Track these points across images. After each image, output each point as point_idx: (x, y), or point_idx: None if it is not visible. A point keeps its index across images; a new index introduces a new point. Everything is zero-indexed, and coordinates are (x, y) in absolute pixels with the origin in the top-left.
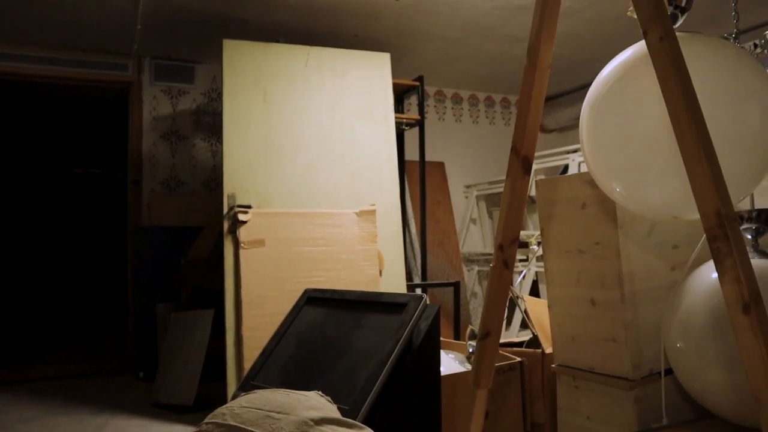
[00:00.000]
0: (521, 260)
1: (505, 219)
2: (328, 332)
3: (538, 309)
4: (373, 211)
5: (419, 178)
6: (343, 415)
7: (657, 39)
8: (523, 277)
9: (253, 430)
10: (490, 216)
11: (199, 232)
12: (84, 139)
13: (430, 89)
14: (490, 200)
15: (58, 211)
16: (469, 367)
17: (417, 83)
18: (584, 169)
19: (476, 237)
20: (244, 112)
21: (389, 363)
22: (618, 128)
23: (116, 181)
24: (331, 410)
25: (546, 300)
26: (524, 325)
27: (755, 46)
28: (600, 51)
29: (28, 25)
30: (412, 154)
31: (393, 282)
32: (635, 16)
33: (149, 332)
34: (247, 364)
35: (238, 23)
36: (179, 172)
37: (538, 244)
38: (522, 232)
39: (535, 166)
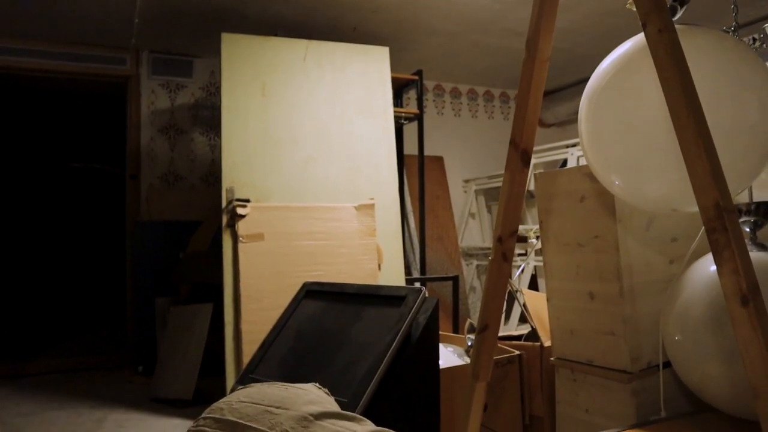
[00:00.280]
0: (520, 254)
1: (504, 212)
2: (326, 325)
3: (536, 302)
4: (372, 205)
5: (418, 173)
6: (342, 408)
7: (656, 31)
8: (522, 270)
9: (252, 425)
10: (489, 210)
11: (197, 227)
12: (82, 134)
13: (428, 83)
14: (489, 194)
15: (57, 206)
16: (467, 360)
17: (416, 77)
18: (583, 163)
19: (475, 231)
20: (243, 106)
21: (388, 356)
22: (617, 121)
23: (114, 176)
24: (330, 403)
25: (545, 293)
26: (523, 319)
27: (754, 40)
28: (599, 45)
29: (26, 19)
30: (410, 148)
31: (392, 276)
32: (634, 9)
33: (148, 326)
34: (246, 358)
35: (237, 17)
36: (178, 166)
37: (537, 237)
38: (521, 227)
39: (534, 161)
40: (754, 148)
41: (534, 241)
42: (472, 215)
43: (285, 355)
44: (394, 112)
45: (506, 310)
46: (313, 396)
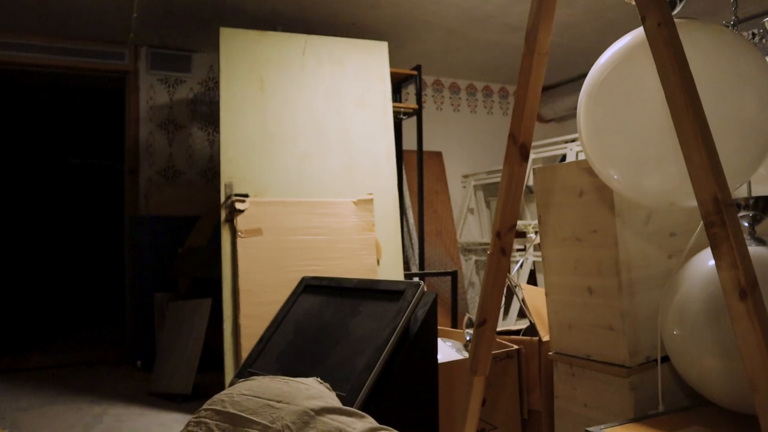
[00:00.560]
0: (519, 250)
1: (503, 206)
2: (325, 319)
3: (535, 297)
4: (371, 200)
5: (417, 168)
6: (340, 402)
7: (655, 25)
8: (521, 266)
9: (253, 419)
10: (488, 206)
11: (196, 222)
12: (81, 129)
13: (427, 79)
14: (488, 190)
15: (56, 201)
16: (466, 354)
17: (415, 72)
18: (582, 158)
19: (474, 227)
20: (241, 101)
21: (386, 350)
22: (616, 115)
23: (113, 171)
24: (331, 398)
25: (543, 288)
26: (522, 314)
27: (753, 35)
28: (598, 40)
29: (24, 14)
30: (409, 143)
31: (390, 271)
32: (633, 2)
33: (147, 322)
34: (245, 353)
35: (235, 11)
36: (176, 161)
37: (536, 233)
38: (519, 222)
39: (532, 156)
40: (752, 142)
41: (533, 235)
42: (470, 211)
43: (283, 349)
44: (393, 107)
45: (505, 306)
46: (314, 391)
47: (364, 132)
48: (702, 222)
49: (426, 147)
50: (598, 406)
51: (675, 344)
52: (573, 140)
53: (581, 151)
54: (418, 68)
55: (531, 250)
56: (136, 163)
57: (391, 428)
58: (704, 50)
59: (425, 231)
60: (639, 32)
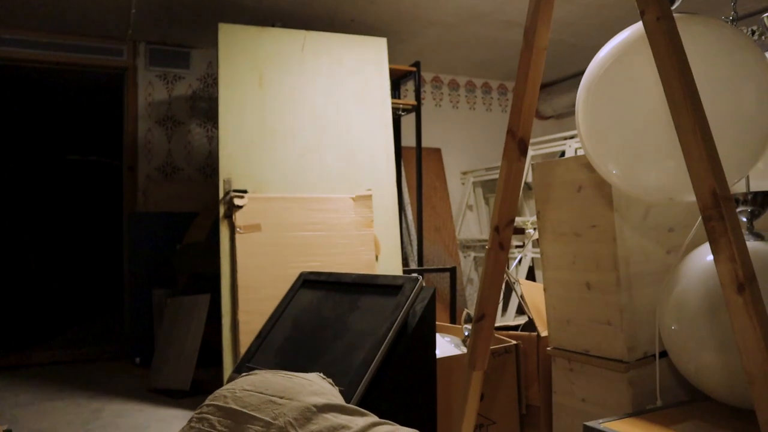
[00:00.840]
0: (517, 246)
1: (501, 201)
2: (324, 314)
3: (533, 293)
4: (369, 196)
5: (416, 164)
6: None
7: (654, 19)
8: (519, 262)
9: (255, 415)
10: (487, 202)
11: (194, 218)
12: (79, 126)
13: (426, 75)
14: (487, 187)
15: (54, 198)
16: (464, 350)
17: (413, 69)
18: (581, 154)
19: (473, 223)
20: (240, 97)
21: (384, 345)
22: (614, 110)
23: (112, 168)
24: (334, 395)
25: (542, 284)
26: (520, 310)
27: (753, 32)
28: (597, 37)
29: (22, 9)
30: (408, 140)
31: (389, 267)
32: None
33: (145, 318)
34: (243, 348)
35: (234, 7)
36: (175, 157)
37: (534, 229)
38: (518, 218)
39: (531, 152)
40: (751, 136)
41: (531, 231)
42: (469, 207)
43: (282, 344)
44: (392, 103)
45: (503, 301)
46: (317, 387)
47: (363, 128)
48: (700, 217)
49: (425, 143)
50: (596, 401)
51: (673, 339)
52: (572, 137)
53: (580, 148)
54: (417, 64)
55: (530, 246)
56: (135, 159)
57: (392, 422)
58: (703, 45)
59: (424, 227)
60: (638, 27)
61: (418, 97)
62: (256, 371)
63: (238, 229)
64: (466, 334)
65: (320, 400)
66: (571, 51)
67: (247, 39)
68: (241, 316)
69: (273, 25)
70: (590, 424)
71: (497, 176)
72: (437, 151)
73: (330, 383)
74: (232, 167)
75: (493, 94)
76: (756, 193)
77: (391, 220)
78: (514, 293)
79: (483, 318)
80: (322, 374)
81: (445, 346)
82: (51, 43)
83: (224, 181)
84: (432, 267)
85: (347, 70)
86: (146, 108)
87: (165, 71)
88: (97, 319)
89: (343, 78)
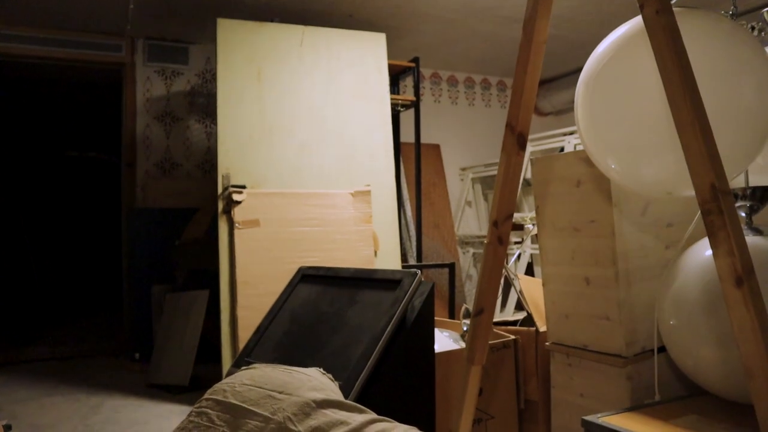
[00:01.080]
0: (516, 242)
1: (500, 195)
2: (322, 309)
3: (532, 288)
4: (368, 192)
5: (414, 160)
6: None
7: (653, 12)
8: (518, 257)
9: (254, 410)
10: (486, 199)
11: (193, 214)
12: (78, 123)
13: (425, 71)
14: (486, 183)
15: (53, 194)
16: (463, 345)
17: (412, 64)
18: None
19: (471, 219)
20: (239, 92)
21: (383, 339)
22: (613, 104)
23: (110, 164)
24: (333, 390)
25: (540, 279)
26: (519, 306)
27: (752, 28)
28: (597, 33)
29: (19, 5)
30: (407, 136)
31: (388, 263)
32: None
33: (144, 314)
34: (242, 344)
35: (232, 2)
36: (173, 153)
37: (533, 225)
38: (517, 214)
39: (531, 149)
40: (750, 131)
41: (530, 226)
42: (468, 203)
43: (280, 338)
44: (391, 99)
45: (502, 297)
46: (316, 382)
47: (362, 123)
48: (699, 212)
49: (424, 140)
50: (594, 396)
51: (671, 334)
52: (571, 133)
53: (579, 144)
54: (415, 60)
55: (528, 242)
56: (134, 155)
57: (389, 419)
58: (703, 39)
59: (423, 223)
60: (637, 21)
61: (417, 93)
62: (255, 365)
63: (236, 225)
64: (465, 329)
65: (319, 396)
66: (571, 47)
67: (246, 34)
68: (240, 312)
69: (271, 20)
70: (588, 418)
71: (496, 172)
72: (436, 147)
73: (330, 378)
74: (231, 163)
75: (492, 91)
76: (755, 188)
77: (390, 215)
78: (513, 289)
79: (482, 312)
80: (321, 369)
81: (444, 341)
82: (48, 39)
83: (223, 176)
84: (431, 263)
85: (346, 65)
86: (145, 104)
87: (163, 67)
88: (96, 315)
89: (341, 73)
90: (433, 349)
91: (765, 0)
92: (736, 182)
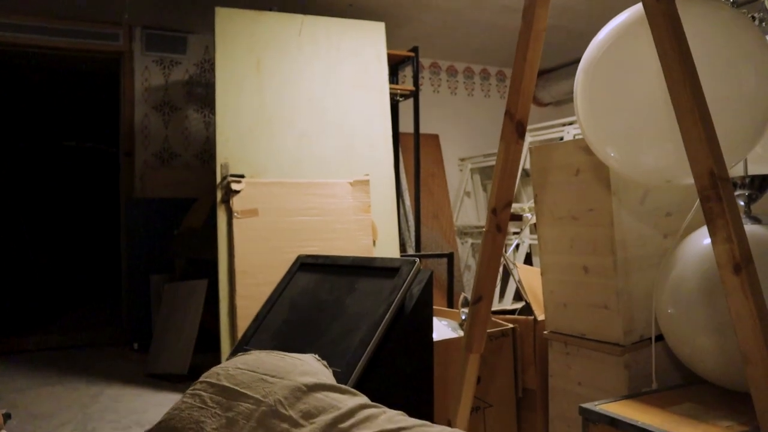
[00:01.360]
0: (514, 233)
1: (499, 183)
2: (321, 297)
3: (531, 277)
4: (367, 182)
5: (413, 150)
6: (335, 378)
7: (654, 0)
8: (516, 247)
9: (245, 392)
10: (485, 189)
11: (192, 204)
12: (76, 112)
13: (425, 61)
14: (485, 173)
15: (52, 184)
16: (461, 333)
17: (412, 54)
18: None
19: (470, 210)
20: (237, 81)
21: (381, 326)
22: (613, 91)
23: (108, 155)
24: (326, 375)
25: (539, 268)
26: (518, 296)
27: (754, 18)
28: (596, 23)
29: None
30: (406, 126)
31: (387, 253)
32: None
33: (143, 303)
34: (241, 333)
35: None
36: (172, 143)
37: (532, 214)
38: (515, 205)
39: (530, 139)
40: (750, 119)
41: (529, 215)
42: (467, 194)
43: (279, 326)
44: (390, 88)
45: (501, 286)
46: (308, 367)
47: (361, 113)
48: (697, 201)
49: (423, 130)
50: (592, 385)
51: (669, 323)
52: (570, 123)
53: (579, 134)
54: (415, 50)
55: (527, 232)
56: (132, 145)
57: (381, 405)
58: (703, 26)
59: (422, 214)
60: (638, 8)
61: (416, 83)
62: (251, 352)
63: (235, 214)
64: (463, 317)
65: (311, 380)
66: (570, 37)
67: (244, 23)
68: (239, 301)
69: (270, 9)
70: (586, 405)
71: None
72: (435, 138)
73: (324, 365)
74: (230, 152)
75: (492, 81)
76: (753, 177)
77: (389, 205)
78: (511, 278)
79: (480, 300)
80: (316, 356)
81: (442, 329)
82: (46, 28)
83: (221, 165)
84: (429, 253)
85: (345, 54)
86: (143, 93)
87: (161, 56)
88: (95, 305)
89: (340, 62)
90: (432, 336)
91: None
92: (735, 171)
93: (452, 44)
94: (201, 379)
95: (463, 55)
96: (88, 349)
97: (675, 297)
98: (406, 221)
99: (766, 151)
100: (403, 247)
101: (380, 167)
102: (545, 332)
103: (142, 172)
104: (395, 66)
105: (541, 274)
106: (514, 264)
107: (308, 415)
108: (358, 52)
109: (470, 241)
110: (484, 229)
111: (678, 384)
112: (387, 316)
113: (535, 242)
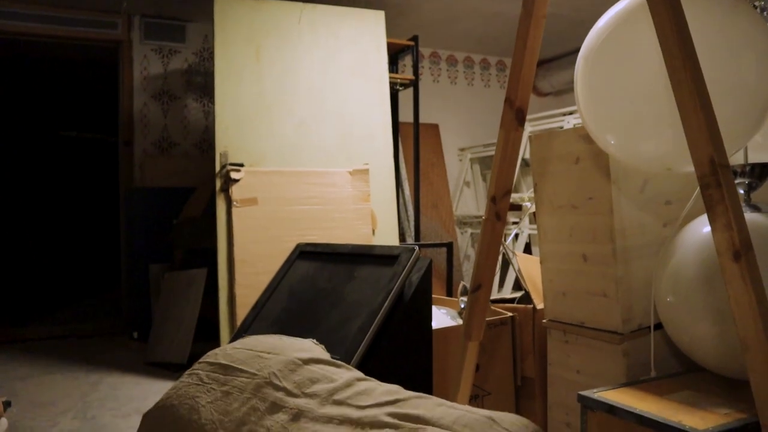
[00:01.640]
0: (514, 222)
1: (498, 171)
2: (320, 284)
3: (530, 266)
4: (366, 171)
5: (413, 140)
6: None
7: None
8: (515, 236)
9: (241, 368)
10: (484, 179)
11: (191, 193)
12: (75, 102)
13: (425, 51)
14: (484, 163)
15: (50, 174)
16: (461, 322)
17: (411, 43)
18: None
19: (470, 200)
20: (236, 70)
21: (380, 314)
22: (613, 78)
23: (107, 144)
24: (322, 354)
25: (538, 257)
26: (517, 285)
27: (755, 6)
28: (597, 11)
29: None
30: (406, 115)
31: (386, 241)
32: None
33: (143, 293)
34: (240, 322)
35: None
36: (171, 132)
37: (532, 203)
38: (514, 194)
39: (530, 128)
40: (750, 106)
41: (528, 204)
42: (467, 184)
43: (278, 314)
44: (390, 78)
45: (500, 275)
46: (305, 346)
47: (361, 102)
48: (697, 189)
49: (422, 119)
50: (591, 373)
51: (668, 311)
52: (570, 113)
53: (579, 124)
54: (415, 39)
55: (526, 221)
56: (131, 134)
57: (374, 379)
58: (704, 13)
59: (421, 203)
60: None
61: (416, 72)
62: (252, 336)
63: (234, 203)
64: (462, 306)
65: (306, 355)
66: (570, 26)
67: (244, 11)
68: (238, 290)
69: None
70: (585, 393)
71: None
72: (435, 127)
73: (322, 348)
74: (229, 141)
75: (492, 70)
76: (753, 165)
77: (388, 195)
78: (511, 267)
79: (479, 288)
80: (314, 340)
81: (441, 317)
82: (43, 16)
83: (221, 154)
84: (429, 242)
85: (345, 43)
86: (142, 82)
87: (160, 45)
88: (95, 295)
89: (340, 51)
90: (431, 324)
91: None
92: (735, 159)
93: (452, 33)
94: (200, 360)
95: (463, 45)
96: (87, 338)
97: (674, 285)
98: (406, 211)
99: (767, 139)
100: (402, 236)
101: (380, 156)
102: (544, 321)
103: (142, 161)
104: (395, 55)
105: (541, 263)
106: (514, 252)
107: (302, 386)
108: (358, 40)
109: (470, 230)
110: (483, 217)
111: (677, 372)
112: (386, 303)
113: (535, 232)
